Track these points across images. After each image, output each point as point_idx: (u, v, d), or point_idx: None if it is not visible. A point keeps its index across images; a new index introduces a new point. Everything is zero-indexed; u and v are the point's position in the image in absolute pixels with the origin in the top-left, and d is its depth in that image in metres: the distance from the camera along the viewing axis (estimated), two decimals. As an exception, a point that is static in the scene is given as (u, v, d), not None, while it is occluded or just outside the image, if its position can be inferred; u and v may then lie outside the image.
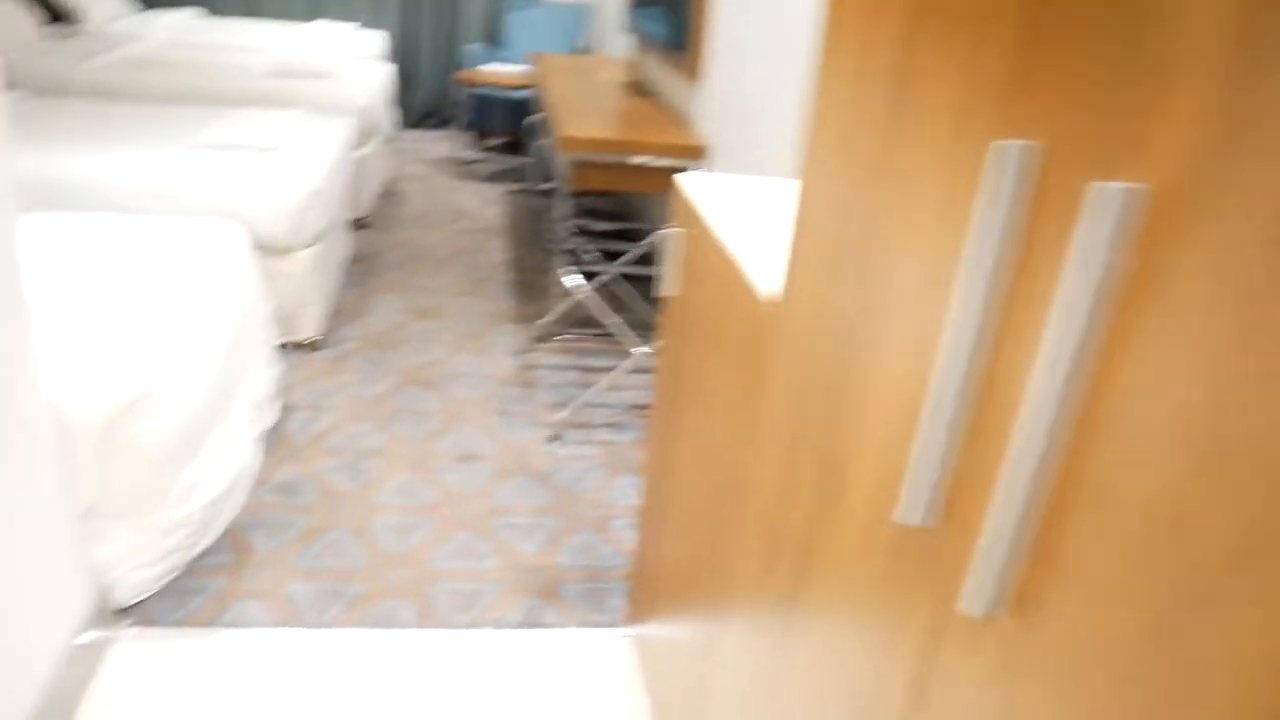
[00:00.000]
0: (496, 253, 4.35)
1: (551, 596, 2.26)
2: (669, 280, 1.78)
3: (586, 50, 6.42)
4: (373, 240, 4.32)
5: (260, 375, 2.57)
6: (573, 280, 2.93)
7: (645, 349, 2.97)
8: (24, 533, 1.67)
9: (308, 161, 3.15)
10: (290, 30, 5.75)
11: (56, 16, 5.49)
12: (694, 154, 3.25)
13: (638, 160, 3.23)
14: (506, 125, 5.92)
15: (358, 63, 4.90)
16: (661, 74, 4.08)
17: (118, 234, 2.38)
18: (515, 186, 5.43)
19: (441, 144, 6.24)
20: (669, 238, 1.76)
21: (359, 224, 4.41)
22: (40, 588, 1.74)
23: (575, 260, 2.93)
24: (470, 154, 6.05)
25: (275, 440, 2.70)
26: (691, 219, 1.61)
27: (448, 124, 6.63)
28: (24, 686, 1.68)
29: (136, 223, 2.46)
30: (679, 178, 1.72)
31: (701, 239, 1.53)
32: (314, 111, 4.19)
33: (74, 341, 1.86)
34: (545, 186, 5.06)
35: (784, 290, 1.11)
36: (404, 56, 6.42)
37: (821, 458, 0.95)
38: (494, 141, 6.25)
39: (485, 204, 5.06)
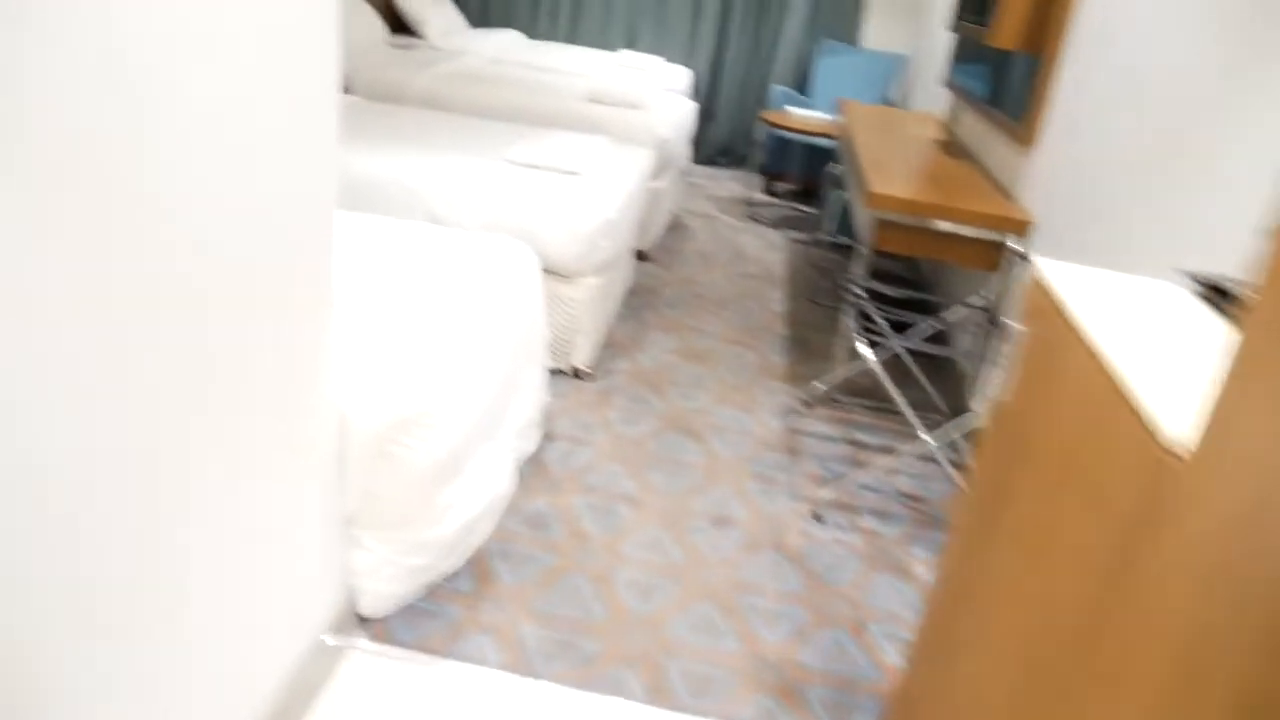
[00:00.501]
0: (775, 303, 4.18)
1: (791, 699, 2.03)
2: (1003, 383, 1.52)
3: (897, 102, 6.16)
4: (653, 274, 4.28)
5: (530, 400, 2.53)
6: (859, 346, 2.70)
7: (931, 438, 2.68)
8: (296, 527, 1.67)
9: (607, 189, 3.12)
10: (602, 57, 5.89)
11: (402, 28, 5.94)
12: (1016, 228, 2.94)
13: (948, 227, 2.95)
14: (801, 171, 5.76)
15: (663, 96, 4.91)
16: (982, 135, 3.76)
17: (416, 242, 2.42)
18: (802, 236, 5.25)
19: (732, 184, 6.18)
20: (1012, 333, 1.50)
21: (642, 256, 4.39)
22: (298, 582, 1.74)
23: (862, 325, 2.70)
24: (760, 197, 5.94)
25: (533, 468, 2.65)
26: (1048, 316, 1.35)
27: (741, 164, 6.57)
28: (267, 672, 1.67)
29: (435, 233, 2.50)
30: (1038, 264, 1.46)
31: (1063, 344, 1.27)
32: (618, 140, 4.22)
33: (365, 348, 1.86)
34: (834, 240, 4.84)
35: (1202, 440, 0.84)
36: (707, 92, 6.43)
37: (1243, 700, 0.68)
38: (786, 187, 6.11)
39: (769, 250, 4.91)
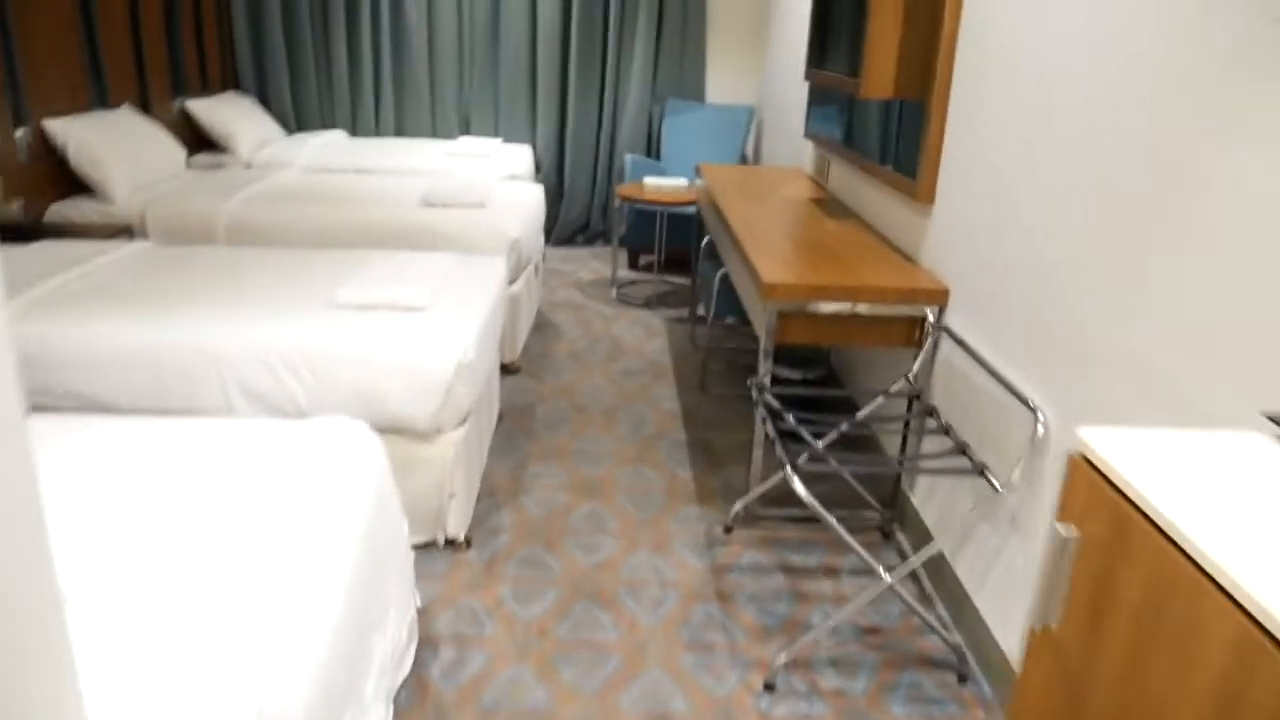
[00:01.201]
0: (666, 400, 3.73)
1: None
2: (1043, 604, 1.08)
3: (754, 157, 5.87)
4: (524, 389, 3.77)
5: (396, 621, 1.97)
6: (791, 478, 2.26)
7: (888, 574, 2.25)
8: None
9: (458, 323, 2.61)
10: (434, 149, 5.40)
11: (208, 145, 5.31)
12: (932, 299, 2.57)
13: (860, 309, 2.57)
14: (666, 242, 5.38)
15: (507, 187, 4.44)
16: (863, 191, 3.42)
17: (211, 452, 1.85)
18: (679, 314, 4.84)
19: (595, 262, 5.75)
20: (1057, 538, 1.06)
21: (509, 368, 3.89)
22: None
23: (777, 429, 2.27)
24: (626, 274, 5.53)
25: (412, 698, 2.08)
26: (1109, 510, 0.92)
27: (600, 239, 6.15)
28: None
29: (237, 432, 1.93)
30: (1086, 439, 1.03)
31: (1138, 547, 0.83)
32: (464, 249, 3.73)
33: (141, 641, 1.28)
34: (717, 320, 4.45)
35: None
36: (555, 168, 6.01)
37: None
38: (652, 259, 5.72)
39: (647, 336, 4.48)
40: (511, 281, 3.79)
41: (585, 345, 4.31)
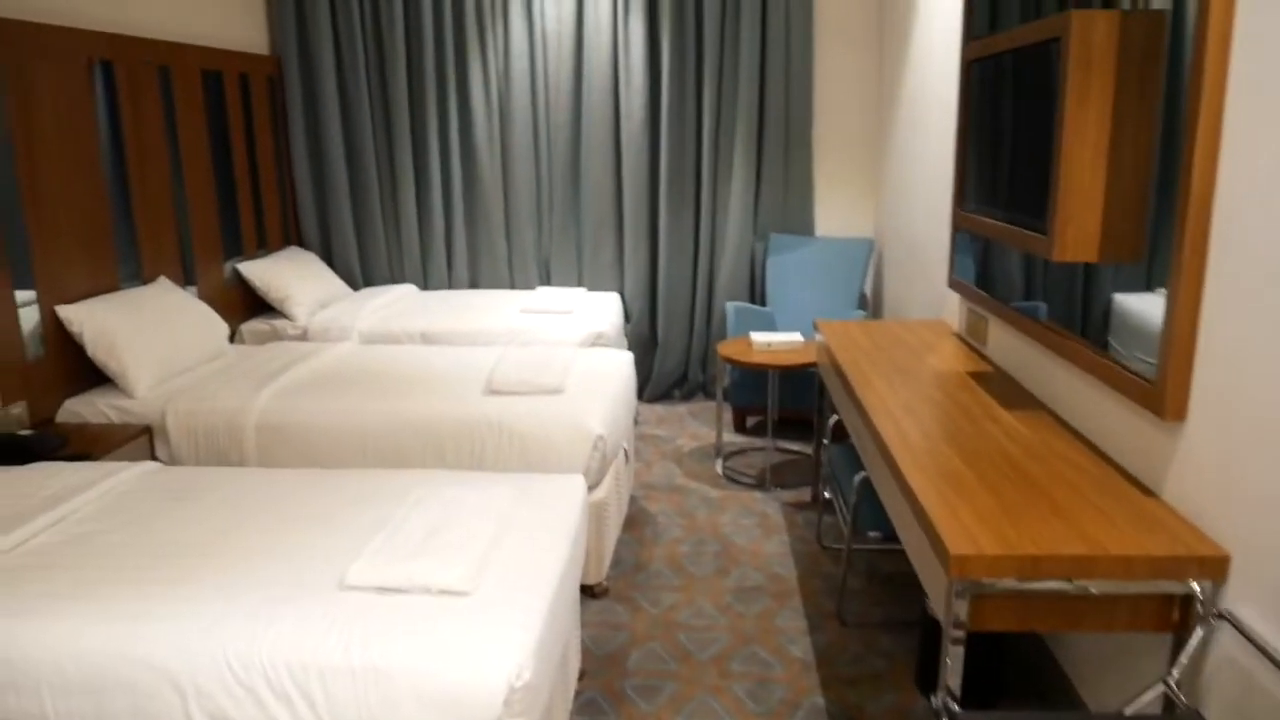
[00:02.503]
0: (793, 638, 2.89)
1: None
2: None
3: (875, 302, 5.09)
4: (612, 622, 2.99)
5: None
6: None
7: None
8: None
9: (512, 618, 1.86)
10: (509, 305, 4.80)
11: (265, 307, 4.83)
12: (1203, 570, 1.72)
13: (1093, 586, 1.73)
14: (778, 401, 4.60)
15: (589, 359, 3.75)
16: (1046, 372, 2.59)
17: None
18: (798, 497, 4.03)
19: (695, 424, 5.00)
20: None
21: (593, 593, 3.12)
22: None
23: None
24: (733, 439, 4.75)
25: None
26: None
27: (700, 392, 5.42)
28: None
29: None
30: None
31: None
32: (535, 452, 3.02)
33: None
34: (842, 523, 3.62)
35: None
36: (644, 317, 5.34)
37: None
38: (760, 419, 4.95)
39: (763, 532, 3.66)
40: (593, 487, 3.05)
41: (688, 549, 3.52)
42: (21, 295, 3.28)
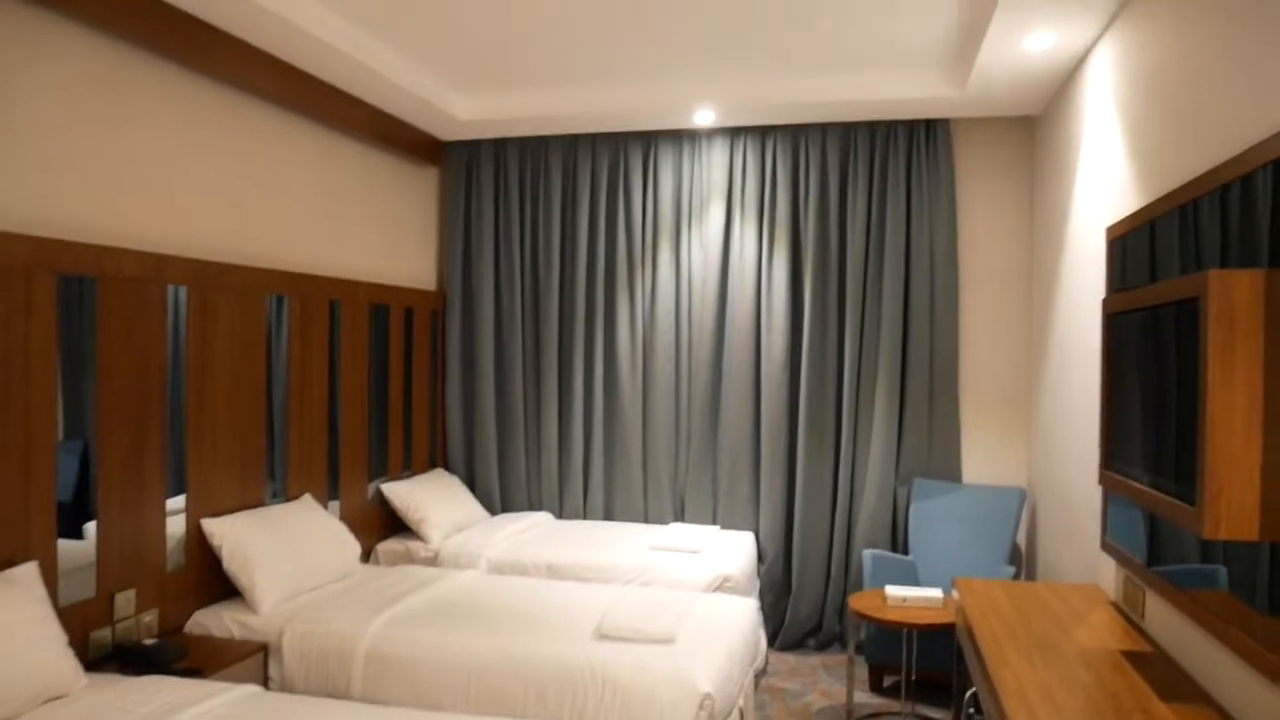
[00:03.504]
0: None
1: None
2: None
3: (1028, 556, 4.73)
4: None
5: None
6: None
7: None
8: None
9: None
10: (639, 540, 4.72)
11: (404, 528, 4.94)
12: None
13: None
14: (914, 660, 4.22)
15: (710, 605, 3.59)
16: (1207, 653, 2.27)
17: None
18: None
19: (826, 679, 4.65)
20: None
21: None
22: None
23: None
24: (865, 699, 4.37)
25: None
26: None
27: (835, 643, 5.07)
28: None
29: None
30: None
31: None
32: (636, 709, 2.85)
33: None
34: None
35: None
36: (779, 560, 5.12)
37: None
38: (896, 678, 4.55)
39: (892, 815, 3.27)
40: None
41: (805, 828, 3.17)
42: (171, 504, 3.47)
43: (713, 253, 5.23)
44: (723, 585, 4.24)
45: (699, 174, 5.27)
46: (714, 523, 5.25)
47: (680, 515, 5.35)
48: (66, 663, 2.67)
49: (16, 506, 2.82)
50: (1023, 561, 4.82)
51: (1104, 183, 3.43)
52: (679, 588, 4.06)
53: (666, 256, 5.31)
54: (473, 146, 5.52)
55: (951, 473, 4.97)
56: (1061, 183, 4.16)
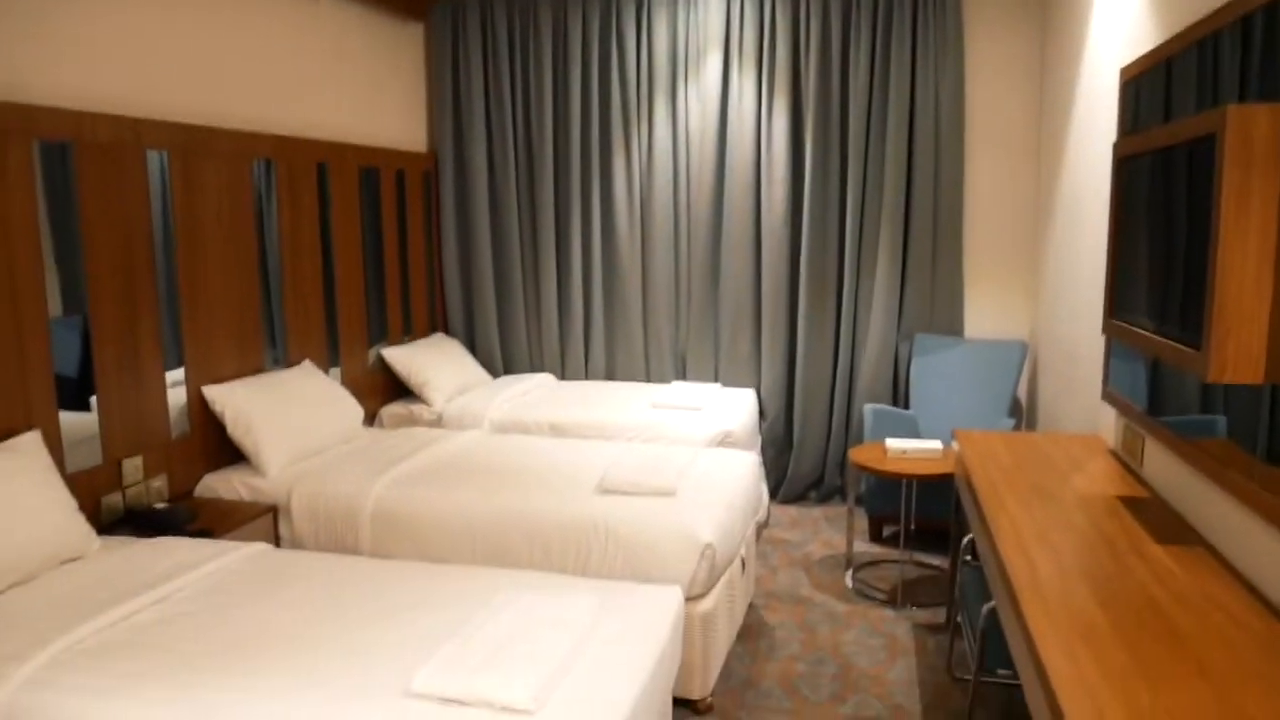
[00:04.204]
0: (911, 784, 2.61)
1: None
2: None
3: (1029, 408, 4.76)
4: (714, 745, 2.80)
5: None
6: None
7: None
8: None
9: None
10: (641, 398, 4.74)
11: (406, 392, 4.96)
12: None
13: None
14: (914, 510, 4.30)
15: (710, 460, 3.63)
16: (1206, 497, 2.29)
17: None
18: (929, 617, 3.72)
19: (828, 529, 4.76)
20: None
21: (695, 708, 2.94)
22: None
23: None
24: (866, 550, 4.48)
25: None
26: None
27: (836, 495, 5.17)
28: None
29: None
30: None
31: None
32: (641, 555, 2.92)
33: None
34: (969, 656, 3.31)
35: None
36: (780, 416, 5.16)
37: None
38: (896, 528, 4.65)
39: (889, 655, 3.39)
40: (701, 597, 2.90)
41: (806, 668, 3.28)
42: (172, 375, 3.47)
43: (710, 106, 5.06)
44: (724, 441, 4.28)
45: (695, 24, 5.04)
46: (715, 380, 5.27)
47: (682, 374, 5.37)
48: (78, 526, 2.71)
49: (14, 378, 2.81)
50: (1023, 415, 4.85)
51: (1119, 21, 3.27)
52: (681, 445, 4.09)
53: (663, 111, 5.15)
54: (457, 1, 5.27)
55: (954, 328, 4.95)
56: (1074, 25, 3.98)
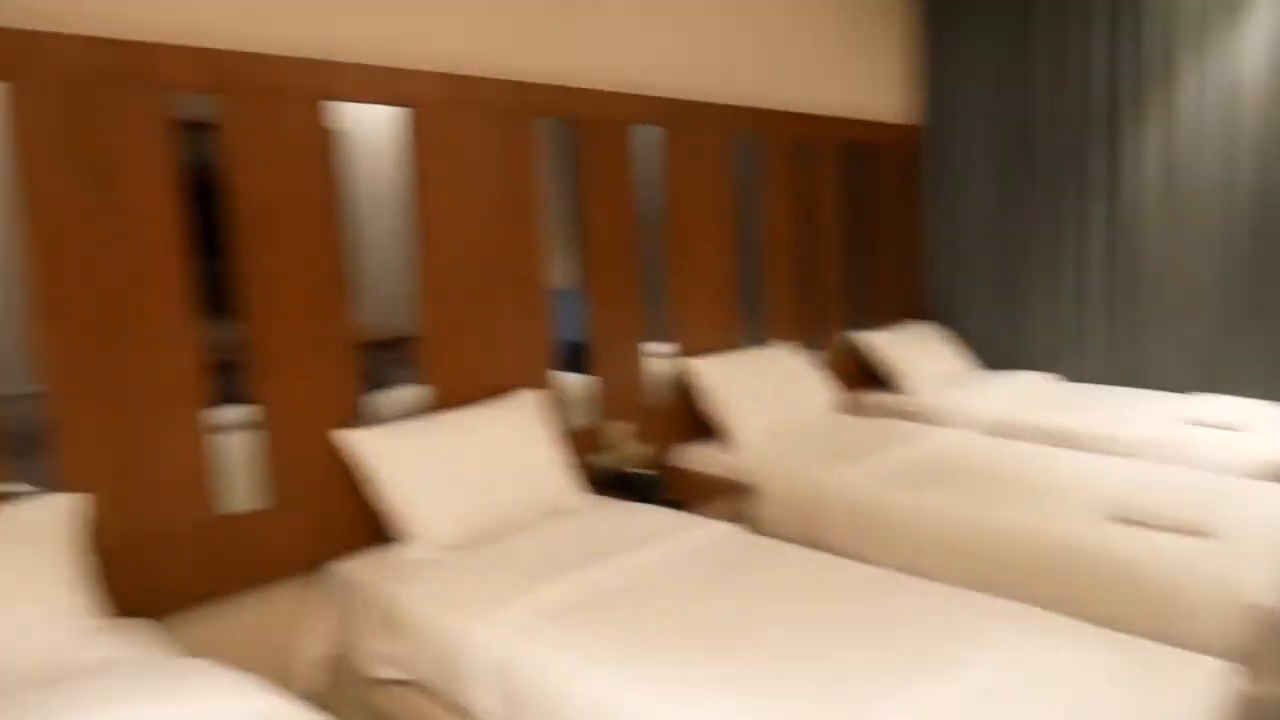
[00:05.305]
0: None
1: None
2: None
3: None
4: None
5: None
6: None
7: None
8: None
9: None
10: (1162, 409, 3.96)
11: (874, 380, 4.70)
12: None
13: None
14: None
15: (1262, 493, 2.88)
16: None
17: None
18: None
19: None
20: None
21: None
22: None
23: None
24: None
25: None
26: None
27: None
28: None
29: None
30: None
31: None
32: (1164, 607, 2.37)
33: None
34: None
35: None
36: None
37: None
38: None
39: None
40: (1259, 677, 2.26)
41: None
42: (655, 347, 3.60)
43: (1258, 60, 4.05)
44: (1277, 474, 3.42)
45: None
46: (1264, 397, 4.26)
47: (1212, 385, 4.42)
48: (569, 482, 2.88)
49: (526, 346, 3.06)
50: None
51: None
52: (1212, 471, 3.33)
53: (1193, 69, 4.24)
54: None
55: None
56: None
